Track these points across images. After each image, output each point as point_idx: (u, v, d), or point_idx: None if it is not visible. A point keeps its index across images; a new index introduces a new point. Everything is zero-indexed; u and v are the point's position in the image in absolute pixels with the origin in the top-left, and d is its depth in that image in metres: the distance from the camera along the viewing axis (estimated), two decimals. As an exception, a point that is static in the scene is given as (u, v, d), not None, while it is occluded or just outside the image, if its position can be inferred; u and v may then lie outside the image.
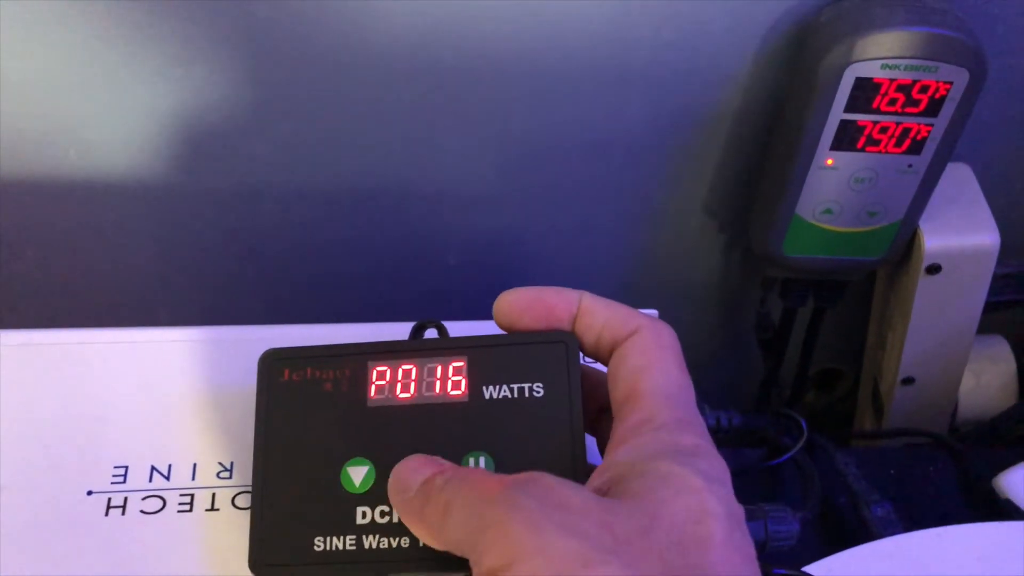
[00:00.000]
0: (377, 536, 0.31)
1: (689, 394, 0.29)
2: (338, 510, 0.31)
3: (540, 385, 0.31)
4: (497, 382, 0.32)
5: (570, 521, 0.24)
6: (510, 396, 0.31)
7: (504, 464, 0.31)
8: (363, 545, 0.31)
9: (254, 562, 0.31)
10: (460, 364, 0.32)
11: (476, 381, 0.32)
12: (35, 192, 0.50)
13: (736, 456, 0.51)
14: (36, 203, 0.51)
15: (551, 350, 0.31)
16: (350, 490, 0.31)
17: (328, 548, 0.31)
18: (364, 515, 0.31)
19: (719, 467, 0.27)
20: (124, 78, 0.46)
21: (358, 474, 0.31)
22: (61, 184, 0.50)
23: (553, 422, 0.31)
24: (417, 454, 0.30)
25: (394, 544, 0.30)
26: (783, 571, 0.40)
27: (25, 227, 0.52)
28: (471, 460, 0.31)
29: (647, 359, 0.29)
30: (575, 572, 0.23)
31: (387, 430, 0.32)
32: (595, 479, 0.27)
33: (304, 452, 0.32)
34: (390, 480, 0.30)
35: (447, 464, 0.29)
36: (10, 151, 0.49)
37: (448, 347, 0.32)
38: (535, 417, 0.31)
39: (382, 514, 0.31)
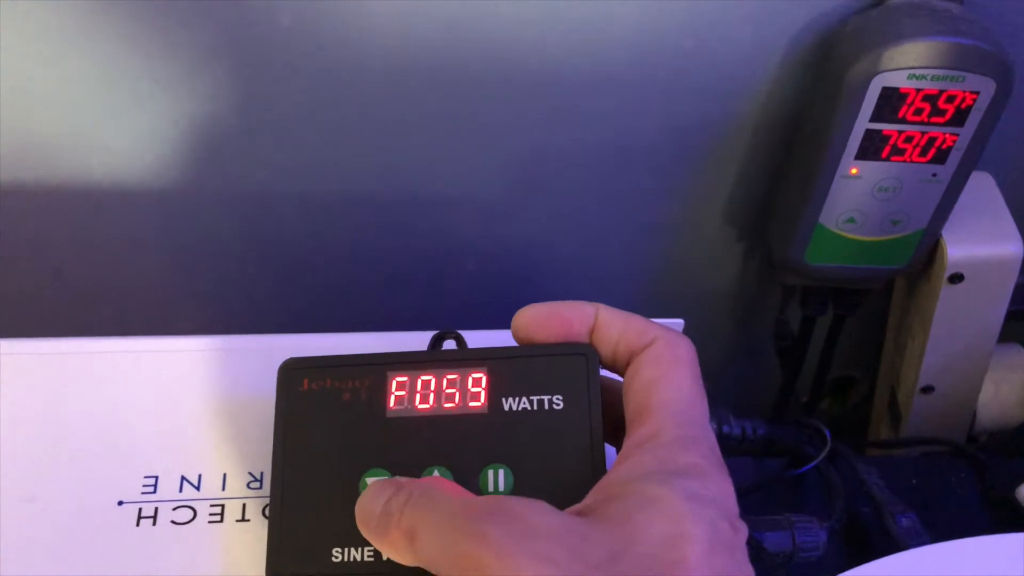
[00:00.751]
0: None
1: (700, 410, 0.29)
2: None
3: (560, 398, 0.31)
4: (517, 394, 0.32)
5: (541, 549, 0.24)
6: (530, 408, 0.31)
7: (523, 477, 0.31)
8: (381, 556, 0.30)
9: (272, 572, 0.31)
10: (480, 376, 0.32)
11: (496, 393, 0.32)
12: (57, 200, 0.50)
13: (758, 466, 0.51)
14: (58, 211, 0.51)
15: (571, 362, 0.31)
16: None
17: (346, 559, 0.31)
18: None
19: (715, 488, 0.27)
20: (145, 86, 0.46)
21: None
22: (83, 193, 0.50)
23: (573, 435, 0.31)
24: (377, 479, 0.30)
25: None
26: None
27: (47, 235, 0.52)
28: (490, 473, 0.31)
29: (659, 372, 0.29)
30: None
31: (406, 441, 0.32)
32: (590, 496, 0.27)
33: (323, 462, 0.32)
34: (356, 510, 0.30)
35: (405, 481, 0.29)
36: (33, 160, 0.49)
37: (467, 358, 0.32)
38: (555, 430, 0.31)
39: None
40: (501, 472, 0.31)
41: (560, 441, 0.31)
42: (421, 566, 0.27)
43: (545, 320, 0.31)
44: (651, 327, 0.30)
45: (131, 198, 0.51)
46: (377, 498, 0.28)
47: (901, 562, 0.42)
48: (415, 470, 0.31)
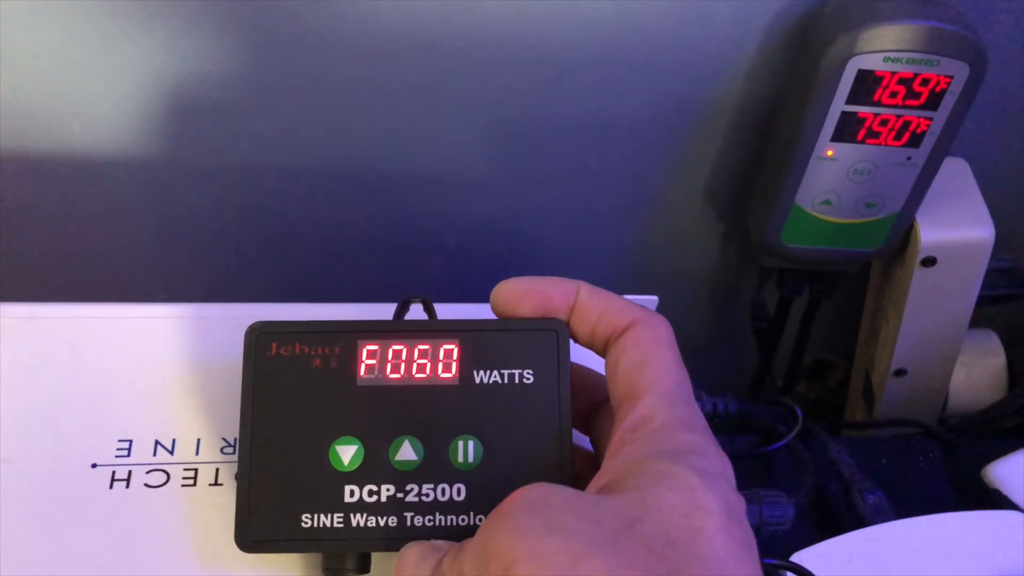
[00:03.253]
0: (365, 515, 0.31)
1: (687, 389, 0.30)
2: (326, 488, 0.31)
3: (530, 372, 0.32)
4: (488, 367, 0.32)
5: (556, 520, 0.25)
6: (500, 381, 0.32)
7: (492, 448, 0.31)
8: (351, 523, 0.31)
9: (241, 538, 0.31)
10: (451, 347, 0.32)
11: (467, 365, 0.32)
12: (38, 166, 0.50)
13: (730, 443, 0.51)
14: (39, 177, 0.51)
15: (542, 337, 0.32)
16: (339, 468, 0.31)
17: (316, 525, 0.31)
18: (352, 494, 0.31)
19: (718, 463, 0.27)
20: (129, 53, 0.46)
21: (347, 453, 0.32)
22: (64, 159, 0.50)
23: (542, 408, 0.32)
24: (414, 543, 0.30)
25: (382, 523, 0.31)
26: (772, 561, 0.41)
27: (27, 201, 0.52)
28: (460, 444, 0.32)
29: (644, 354, 0.29)
30: (566, 570, 0.23)
31: (377, 410, 0.32)
32: (593, 485, 0.28)
33: (292, 429, 0.32)
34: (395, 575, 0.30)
35: (446, 544, 0.29)
36: (14, 125, 0.49)
37: (439, 329, 0.32)
38: (524, 403, 0.32)
39: (370, 493, 0.31)
40: (471, 443, 0.31)
41: (530, 414, 0.32)
42: None
43: (525, 294, 0.32)
44: (631, 308, 0.31)
45: (112, 166, 0.51)
46: (422, 566, 0.29)
47: (865, 536, 0.43)
48: (385, 439, 0.32)
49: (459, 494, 0.31)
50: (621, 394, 0.29)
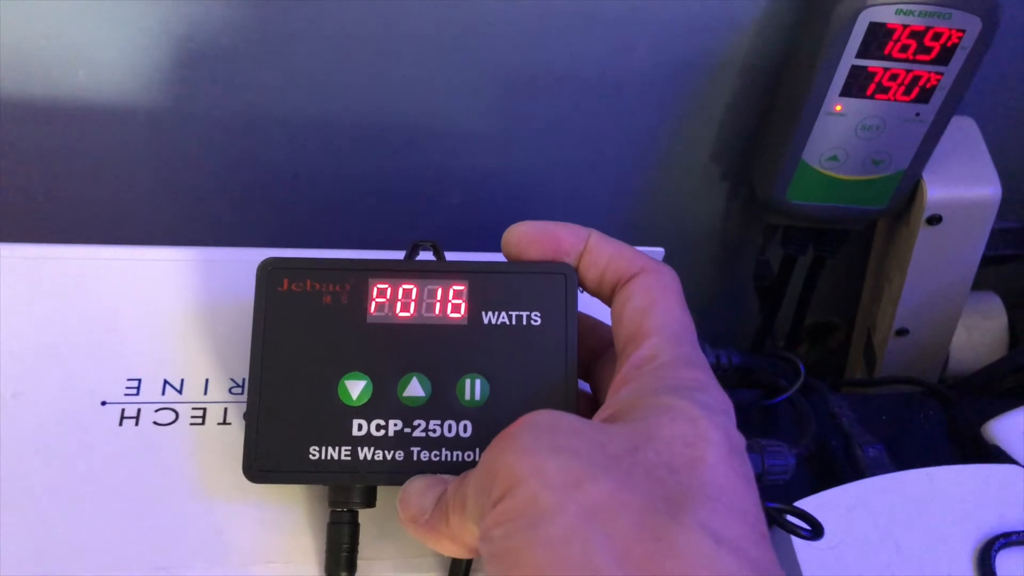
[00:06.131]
0: (372, 448, 0.31)
1: (692, 333, 0.30)
2: (334, 421, 0.32)
3: (538, 314, 0.32)
4: (496, 308, 0.32)
5: (561, 442, 0.25)
6: (508, 323, 0.32)
7: (499, 387, 0.32)
8: (358, 456, 0.31)
9: (249, 468, 0.32)
10: (461, 288, 0.33)
11: (476, 306, 0.32)
12: (43, 112, 0.50)
13: (733, 395, 0.51)
14: (44, 123, 0.51)
15: (550, 281, 0.32)
16: (347, 403, 0.32)
17: (323, 457, 0.31)
18: (360, 427, 0.32)
19: (721, 400, 0.28)
20: (135, 2, 0.46)
21: (355, 388, 0.32)
22: (69, 105, 0.50)
23: (549, 349, 0.32)
24: (418, 476, 0.30)
25: (388, 456, 0.31)
26: (775, 504, 0.41)
27: (33, 146, 0.52)
28: (467, 382, 0.32)
29: (651, 299, 0.30)
30: (569, 489, 0.24)
31: (386, 347, 0.32)
32: (597, 417, 0.28)
33: (301, 363, 0.32)
34: (399, 508, 0.30)
35: (449, 477, 0.30)
36: (18, 71, 0.48)
37: (449, 271, 0.33)
38: (531, 344, 0.32)
39: (378, 427, 0.32)
40: (478, 382, 0.32)
41: (536, 355, 0.32)
42: (472, 544, 0.28)
43: (537, 237, 0.32)
44: (639, 257, 0.31)
45: (116, 113, 0.51)
46: (426, 495, 0.29)
47: (864, 487, 0.43)
48: (393, 375, 0.32)
49: (465, 431, 0.32)
50: (626, 336, 0.30)
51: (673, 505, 0.24)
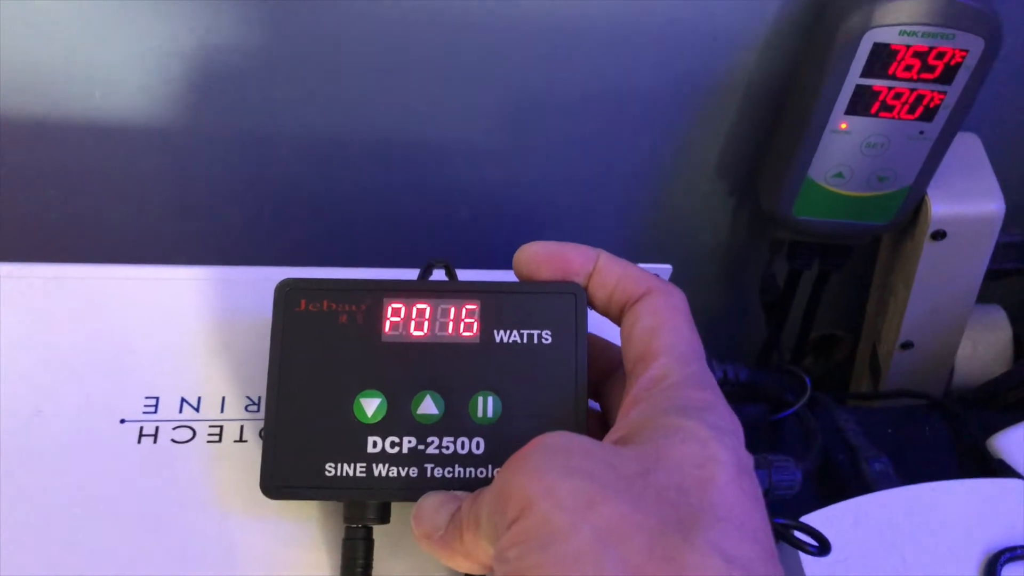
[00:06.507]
0: (387, 465, 0.32)
1: (700, 352, 0.30)
2: (350, 439, 0.32)
3: (549, 333, 0.33)
4: (508, 327, 0.33)
5: (573, 464, 0.25)
6: (520, 341, 0.33)
7: (511, 404, 0.32)
8: (373, 473, 0.32)
9: (266, 485, 0.32)
10: (473, 307, 0.33)
11: (488, 324, 0.33)
12: (59, 131, 0.51)
13: (739, 411, 0.52)
14: (60, 142, 0.51)
15: (561, 300, 0.33)
16: (362, 420, 0.32)
17: (339, 474, 0.32)
18: (375, 444, 0.32)
19: (730, 420, 0.28)
20: (150, 22, 0.47)
21: (371, 405, 0.33)
22: (85, 125, 0.51)
23: (559, 367, 0.33)
24: (432, 493, 0.31)
25: (403, 473, 0.32)
26: (783, 520, 0.42)
27: (49, 165, 0.53)
28: (479, 399, 0.33)
29: (659, 319, 0.30)
30: (582, 511, 0.24)
31: (400, 365, 0.33)
32: (608, 439, 0.29)
33: (317, 381, 0.33)
34: (413, 524, 0.31)
35: (463, 494, 0.30)
36: (35, 91, 0.49)
37: (462, 290, 0.34)
38: (542, 362, 0.33)
39: (392, 444, 0.32)
40: (491, 399, 0.33)
41: (547, 373, 0.33)
42: (486, 561, 0.28)
43: (548, 258, 0.32)
44: (646, 277, 0.32)
45: (132, 133, 0.52)
46: (440, 511, 0.30)
47: (870, 502, 0.44)
48: (407, 393, 0.33)
49: (478, 447, 0.32)
50: (635, 356, 0.30)
51: (684, 526, 0.24)
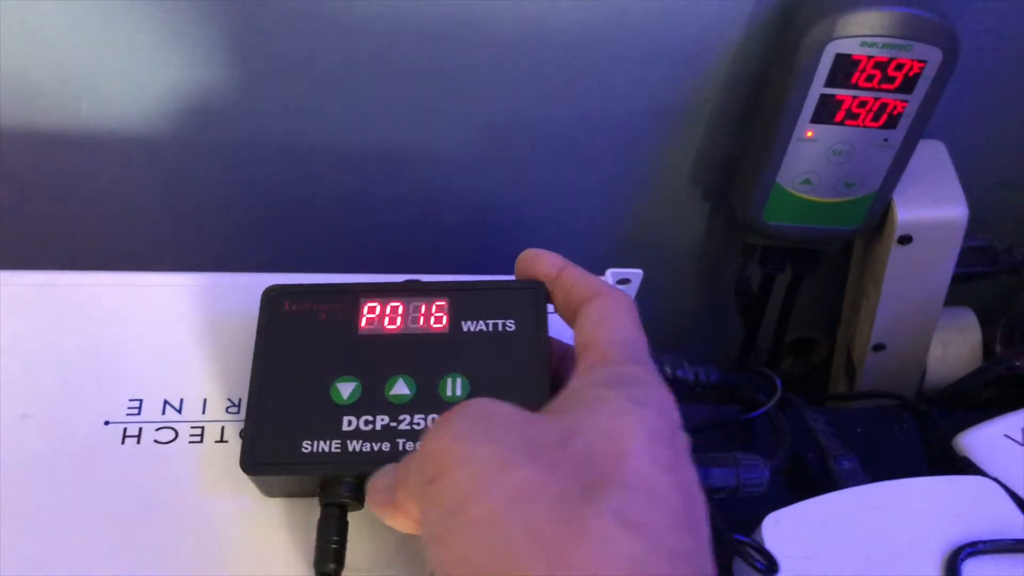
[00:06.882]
0: (360, 441, 0.34)
1: (642, 343, 0.32)
2: (326, 418, 0.34)
3: (513, 322, 0.36)
4: (475, 318, 0.36)
5: (492, 431, 0.27)
6: (486, 329, 0.36)
7: (478, 384, 0.35)
8: (347, 448, 0.34)
9: (245, 462, 0.34)
10: (443, 303, 0.36)
11: (456, 316, 0.36)
12: (47, 141, 0.52)
13: (713, 411, 0.53)
14: (50, 151, 0.52)
15: (524, 294, 0.36)
16: (338, 402, 0.35)
17: (315, 450, 0.34)
18: (350, 423, 0.34)
19: (656, 395, 0.29)
20: (136, 35, 0.48)
21: (346, 389, 0.35)
22: (72, 134, 0.52)
23: (522, 351, 0.35)
24: (388, 464, 0.32)
25: (376, 448, 0.34)
26: (741, 537, 0.43)
27: (39, 174, 0.54)
28: (449, 380, 0.35)
29: (605, 315, 0.33)
30: (493, 475, 0.26)
31: (375, 354, 0.36)
32: (543, 409, 0.30)
33: (297, 369, 0.35)
34: (367, 491, 0.32)
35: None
36: (23, 101, 0.50)
37: (432, 289, 0.37)
38: (507, 347, 0.36)
39: (366, 422, 0.34)
40: (459, 380, 0.35)
41: (511, 356, 0.35)
42: (416, 520, 0.29)
43: (525, 261, 0.36)
44: (599, 283, 0.34)
45: (119, 143, 0.53)
46: (387, 475, 0.31)
47: (838, 498, 0.45)
48: (381, 377, 0.35)
49: None
50: (582, 345, 0.32)
51: (588, 492, 0.25)
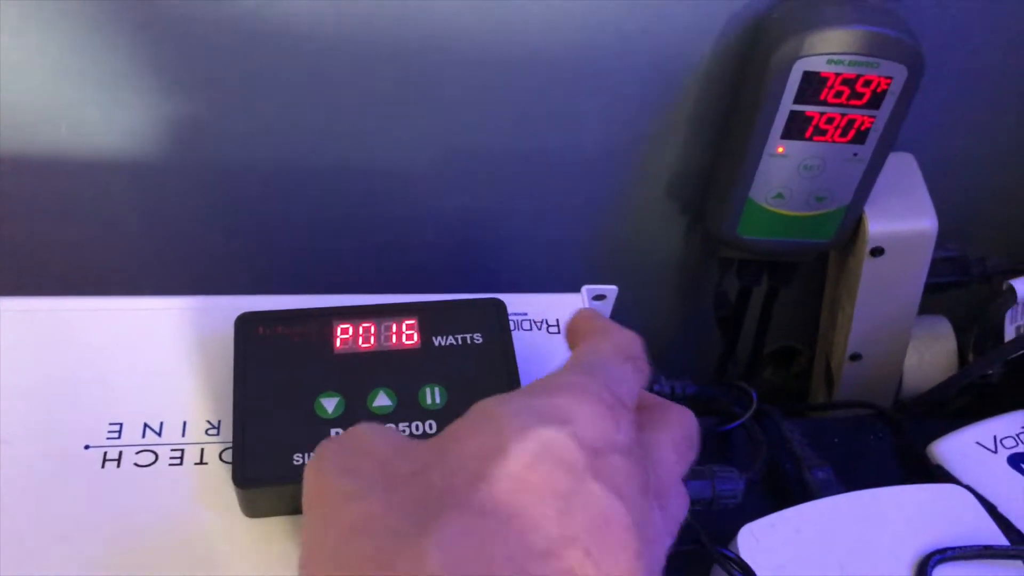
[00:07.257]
0: None
1: (608, 366, 0.28)
2: (314, 431, 0.36)
3: (479, 335, 0.39)
4: (444, 333, 0.39)
5: (351, 463, 0.26)
6: (455, 344, 0.38)
7: (455, 392, 0.37)
8: None
9: (238, 478, 0.35)
10: (412, 321, 0.39)
11: (427, 332, 0.39)
12: (25, 165, 0.52)
13: (691, 424, 0.54)
14: (28, 175, 0.53)
15: (486, 310, 0.40)
16: (323, 416, 0.36)
17: (306, 462, 0.34)
18: (338, 435, 0.35)
19: (564, 405, 0.25)
20: (115, 58, 0.49)
21: (330, 404, 0.37)
22: (51, 158, 0.53)
23: (492, 361, 0.38)
24: None
25: None
26: (724, 551, 0.44)
27: (17, 198, 0.54)
28: (427, 390, 0.37)
29: (588, 345, 0.31)
30: (339, 508, 0.24)
31: (353, 370, 0.37)
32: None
33: (279, 389, 0.37)
34: None
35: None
36: (2, 124, 0.51)
37: (401, 310, 0.39)
38: (477, 358, 0.38)
39: None
40: (437, 389, 0.37)
41: (482, 367, 0.38)
42: None
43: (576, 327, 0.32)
44: (593, 331, 0.31)
45: (98, 166, 0.53)
46: None
47: (813, 508, 0.46)
48: (362, 392, 0.37)
49: (431, 428, 0.36)
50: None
51: (422, 525, 0.23)
